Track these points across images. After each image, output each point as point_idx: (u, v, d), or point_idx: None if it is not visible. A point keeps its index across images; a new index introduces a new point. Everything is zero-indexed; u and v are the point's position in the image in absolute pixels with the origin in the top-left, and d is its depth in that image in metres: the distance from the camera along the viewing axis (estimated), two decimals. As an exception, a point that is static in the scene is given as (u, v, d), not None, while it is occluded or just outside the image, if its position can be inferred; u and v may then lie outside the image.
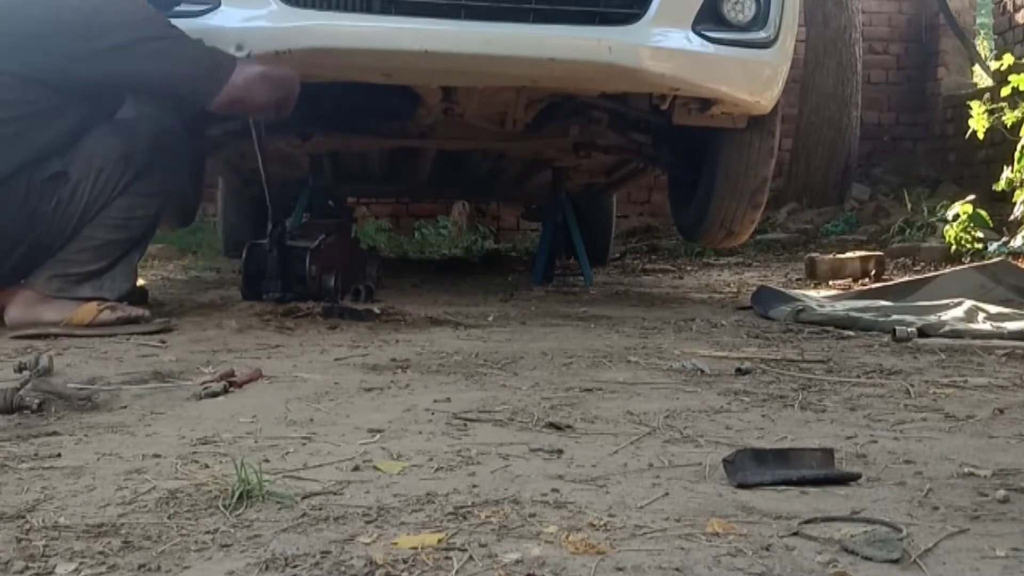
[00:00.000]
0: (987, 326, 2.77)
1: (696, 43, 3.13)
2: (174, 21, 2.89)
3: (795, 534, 1.05)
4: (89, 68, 2.66)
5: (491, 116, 3.71)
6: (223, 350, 2.33)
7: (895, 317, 2.88)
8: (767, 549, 1.00)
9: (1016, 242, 5.06)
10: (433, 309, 3.13)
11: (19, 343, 2.41)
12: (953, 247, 5.35)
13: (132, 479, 1.24)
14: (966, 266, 4.07)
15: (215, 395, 1.75)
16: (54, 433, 1.49)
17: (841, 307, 3.16)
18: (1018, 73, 5.18)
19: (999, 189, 5.36)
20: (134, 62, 2.68)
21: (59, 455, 1.36)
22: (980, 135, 5.53)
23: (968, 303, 3.05)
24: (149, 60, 2.70)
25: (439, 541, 1.01)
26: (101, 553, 0.98)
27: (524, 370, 2.08)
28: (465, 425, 1.56)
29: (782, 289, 3.85)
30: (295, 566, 0.95)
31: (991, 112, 5.46)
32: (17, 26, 2.66)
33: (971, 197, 5.51)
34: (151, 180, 2.78)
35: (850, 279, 4.72)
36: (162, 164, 2.83)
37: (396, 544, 1.00)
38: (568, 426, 1.56)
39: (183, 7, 2.91)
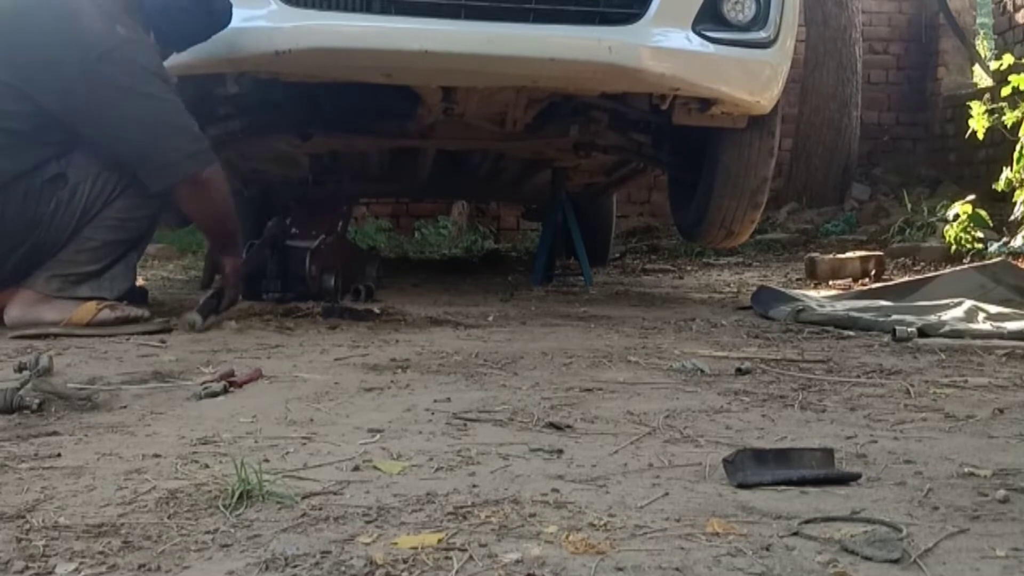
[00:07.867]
0: (987, 326, 2.77)
1: (696, 43, 3.13)
2: None
3: (795, 534, 1.05)
4: (80, 100, 2.62)
5: (491, 116, 3.71)
6: (223, 350, 2.33)
7: (895, 317, 2.88)
8: (767, 549, 1.00)
9: (1016, 242, 5.06)
10: (433, 309, 3.13)
11: (19, 343, 2.41)
12: (953, 247, 5.35)
13: (132, 479, 1.24)
14: (966, 266, 4.07)
15: (215, 395, 1.76)
16: (54, 433, 1.49)
17: (841, 307, 3.16)
18: (1018, 73, 5.17)
19: (999, 189, 5.36)
20: (125, 109, 2.64)
21: (59, 455, 1.36)
22: (980, 135, 5.52)
23: (968, 303, 3.05)
24: (138, 115, 2.65)
25: (439, 541, 1.01)
26: (101, 553, 0.98)
27: (524, 370, 2.08)
28: (465, 425, 1.56)
29: (782, 289, 3.84)
30: (295, 566, 0.95)
31: (991, 112, 5.45)
32: (30, 40, 2.61)
33: (971, 197, 5.51)
34: None
35: (850, 279, 4.72)
36: None
37: (396, 544, 1.00)
38: (568, 426, 1.56)
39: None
